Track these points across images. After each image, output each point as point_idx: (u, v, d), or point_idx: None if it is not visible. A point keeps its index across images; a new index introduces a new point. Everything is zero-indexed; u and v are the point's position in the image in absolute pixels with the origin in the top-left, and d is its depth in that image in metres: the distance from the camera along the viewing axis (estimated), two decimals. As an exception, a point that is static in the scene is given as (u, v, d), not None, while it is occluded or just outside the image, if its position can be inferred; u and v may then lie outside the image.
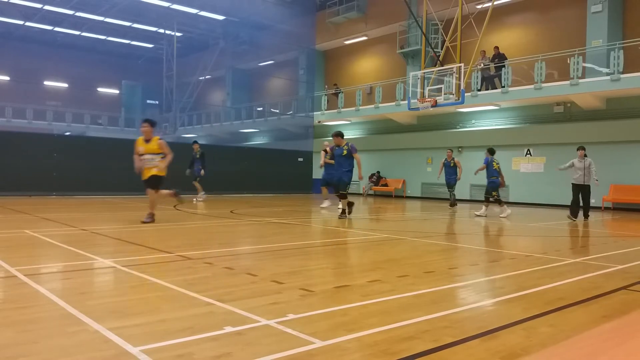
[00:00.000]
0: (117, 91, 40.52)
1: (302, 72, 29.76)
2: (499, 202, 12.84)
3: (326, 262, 5.74)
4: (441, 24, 18.53)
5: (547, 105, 18.74)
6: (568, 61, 17.08)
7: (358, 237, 7.88)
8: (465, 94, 17.44)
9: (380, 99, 23.16)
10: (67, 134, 29.63)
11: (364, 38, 26.69)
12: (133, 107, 39.55)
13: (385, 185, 24.13)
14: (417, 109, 16.20)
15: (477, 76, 19.44)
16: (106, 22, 32.53)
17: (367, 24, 26.03)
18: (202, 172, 16.00)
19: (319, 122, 26.47)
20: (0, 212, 10.37)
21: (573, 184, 11.90)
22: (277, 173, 23.12)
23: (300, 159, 24.62)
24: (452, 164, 15.41)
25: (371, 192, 24.61)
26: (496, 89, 19.07)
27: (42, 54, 35.12)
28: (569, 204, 12.10)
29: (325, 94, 26.77)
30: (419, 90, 15.95)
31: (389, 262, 5.49)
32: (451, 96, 16.82)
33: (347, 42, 27.65)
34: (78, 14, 31.12)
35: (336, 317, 3.25)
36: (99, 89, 40.31)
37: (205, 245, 6.46)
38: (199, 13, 30.55)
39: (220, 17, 31.21)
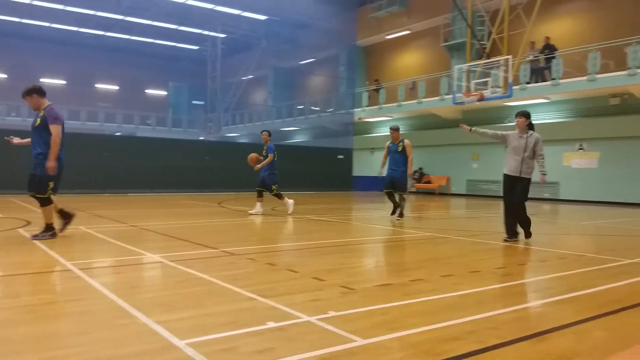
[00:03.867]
0: (164, 92, 41.76)
1: (342, 68, 29.70)
2: (279, 196, 10.75)
3: (367, 260, 5.70)
4: (487, 15, 18.04)
5: (602, 98, 17.89)
6: (625, 50, 16.24)
7: (400, 236, 7.79)
8: (513, 87, 16.93)
9: (424, 93, 22.81)
10: (118, 134, 30.78)
11: (407, 32, 26.33)
12: (180, 107, 40.68)
13: (429, 182, 23.76)
14: (463, 103, 15.87)
15: (526, 68, 18.79)
16: (153, 25, 33.55)
17: (409, 18, 25.66)
18: None
19: (360, 118, 26.35)
20: (57, 209, 10.88)
21: (504, 175, 7.01)
22: (318, 171, 23.23)
23: (341, 157, 24.61)
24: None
25: (413, 189, 24.30)
26: (546, 81, 18.39)
27: (95, 58, 36.68)
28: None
29: (366, 90, 26.60)
30: (464, 84, 15.60)
31: (432, 261, 5.39)
32: (498, 89, 16.35)
33: (389, 37, 27.36)
34: (127, 18, 32.24)
35: (377, 315, 3.22)
36: (148, 91, 41.68)
37: (248, 242, 6.56)
38: (242, 14, 31.00)
39: (263, 17, 31.57)
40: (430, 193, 23.50)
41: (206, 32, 34.74)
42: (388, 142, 10.05)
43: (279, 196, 10.59)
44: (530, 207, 6.08)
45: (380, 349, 2.60)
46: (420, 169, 24.17)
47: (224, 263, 4.92)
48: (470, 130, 7.44)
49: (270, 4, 28.24)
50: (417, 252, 6.16)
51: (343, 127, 26.94)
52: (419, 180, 23.93)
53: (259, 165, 10.30)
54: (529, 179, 6.82)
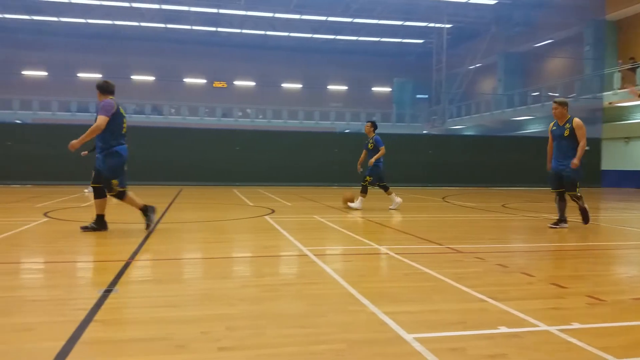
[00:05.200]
0: (389, 89, 43.20)
1: (587, 48, 26.07)
2: (385, 188, 9.90)
3: (619, 268, 4.87)
4: None
5: None
6: None
7: (666, 241, 6.45)
8: None
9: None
10: (347, 131, 33.09)
11: (674, -3, 21.71)
12: (403, 102, 41.56)
13: None
14: None
15: None
16: (380, 24, 34.94)
17: (678, -21, 21.11)
18: None
19: (610, 103, 22.77)
20: (297, 200, 12.24)
21: None
22: (556, 164, 20.97)
23: (586, 148, 21.72)
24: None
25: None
26: None
27: (327, 61, 40.28)
28: None
29: (619, 71, 22.83)
30: None
31: None
32: None
33: (647, 6, 22.98)
34: (356, 20, 34.31)
35: (636, 333, 2.72)
36: (373, 89, 43.71)
37: (475, 240, 6.26)
38: (469, 1, 29.92)
39: (492, 2, 29.92)
40: None
41: (432, 25, 34.59)
42: (551, 125, 7.38)
43: (386, 188, 9.89)
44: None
45: (642, 375, 2.17)
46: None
47: (450, 260, 4.79)
48: None
49: (500, -14, 26.59)
50: (691, 263, 5.00)
51: (589, 113, 23.64)
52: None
53: (372, 160, 9.67)
54: None
